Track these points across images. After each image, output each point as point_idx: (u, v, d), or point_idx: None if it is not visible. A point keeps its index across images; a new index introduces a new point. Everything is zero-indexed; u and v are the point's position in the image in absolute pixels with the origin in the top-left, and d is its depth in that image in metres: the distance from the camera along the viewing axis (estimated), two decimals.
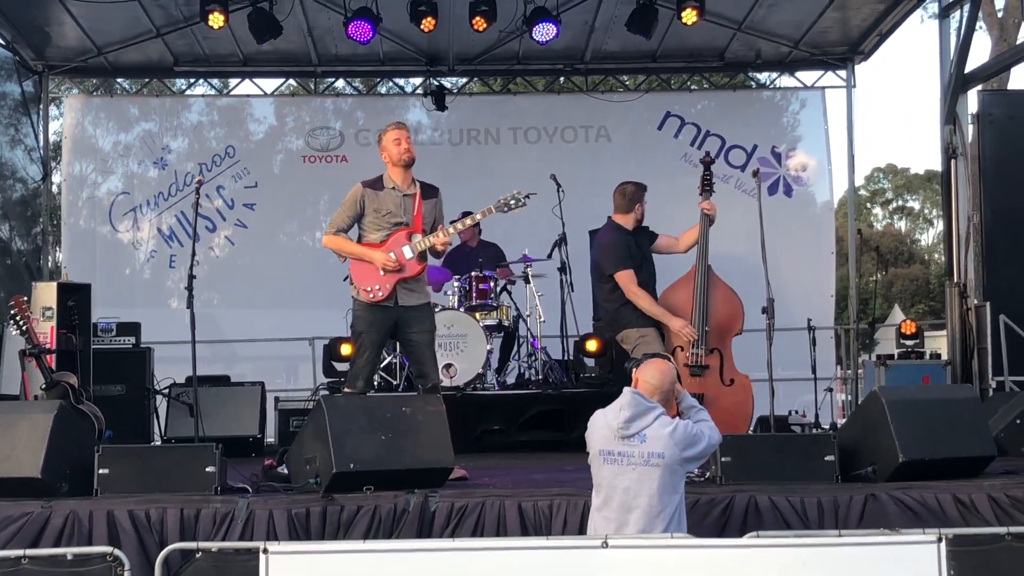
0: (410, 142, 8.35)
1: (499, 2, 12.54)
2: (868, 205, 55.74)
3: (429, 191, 8.42)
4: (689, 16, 12.42)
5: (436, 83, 15.35)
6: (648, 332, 8.66)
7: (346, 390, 8.34)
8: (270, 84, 16.02)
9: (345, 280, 8.44)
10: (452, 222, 8.66)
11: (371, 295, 8.13)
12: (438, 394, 7.89)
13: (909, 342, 12.41)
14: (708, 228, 8.89)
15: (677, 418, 6.09)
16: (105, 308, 12.22)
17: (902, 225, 55.50)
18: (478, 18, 12.55)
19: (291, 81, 16.20)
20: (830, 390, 12.72)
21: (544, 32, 12.71)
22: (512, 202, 8.41)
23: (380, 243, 8.20)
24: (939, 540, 4.90)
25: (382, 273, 8.09)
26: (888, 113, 79.57)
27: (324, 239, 8.42)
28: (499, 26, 13.22)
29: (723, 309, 8.76)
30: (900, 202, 55.77)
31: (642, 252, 9.03)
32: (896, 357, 12.38)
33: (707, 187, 9.09)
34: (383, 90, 16.90)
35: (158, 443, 10.79)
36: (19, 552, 5.31)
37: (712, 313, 8.68)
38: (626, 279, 8.75)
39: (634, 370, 6.20)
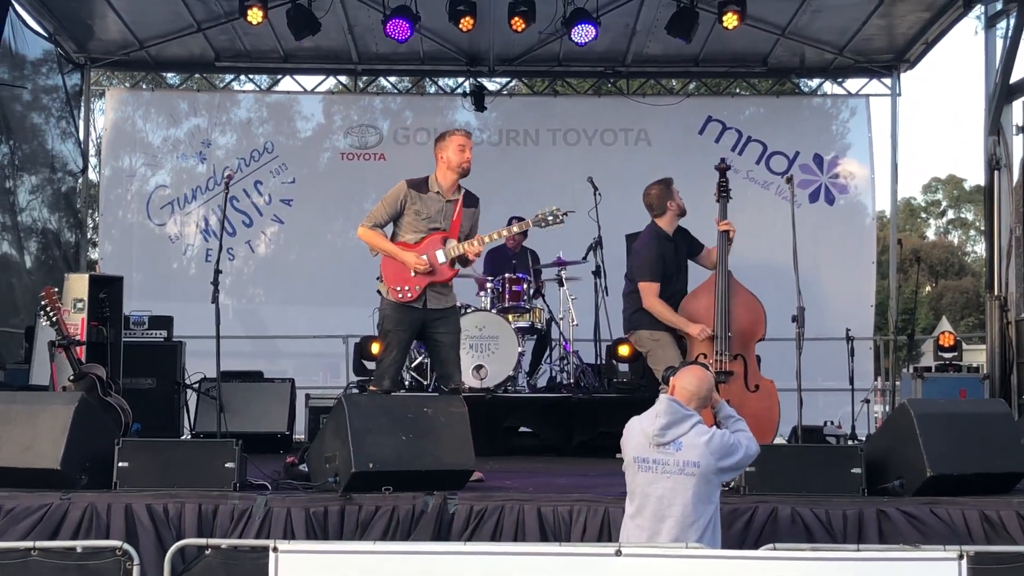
0: (471, 152, 8.27)
1: (538, 3, 12.50)
2: (923, 215, 55.29)
3: (470, 199, 8.37)
4: (730, 20, 12.32)
5: (476, 83, 15.32)
6: (660, 336, 8.55)
7: (371, 388, 8.33)
8: (310, 81, 16.06)
9: (377, 278, 8.38)
10: (489, 233, 8.51)
11: (400, 295, 8.09)
12: (460, 395, 7.83)
13: (947, 354, 12.25)
14: (726, 243, 8.75)
15: (714, 427, 5.97)
16: (142, 301, 12.27)
17: (954, 237, 54.98)
18: (517, 18, 12.51)
19: (332, 79, 16.19)
20: (867, 401, 12.56)
21: (583, 33, 12.65)
22: (550, 218, 8.39)
23: (415, 244, 8.16)
24: (960, 557, 4.78)
25: (413, 274, 8.05)
26: (941, 123, 78.88)
27: (359, 231, 8.36)
28: (538, 27, 13.17)
29: (745, 315, 8.62)
30: (954, 213, 55.25)
31: (678, 261, 8.87)
32: (934, 369, 12.22)
33: (724, 193, 8.95)
34: (431, 90, 16.83)
35: (187, 437, 10.80)
36: (28, 544, 5.31)
37: (734, 319, 8.55)
38: (648, 291, 8.63)
39: (671, 377, 6.12)
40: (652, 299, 8.53)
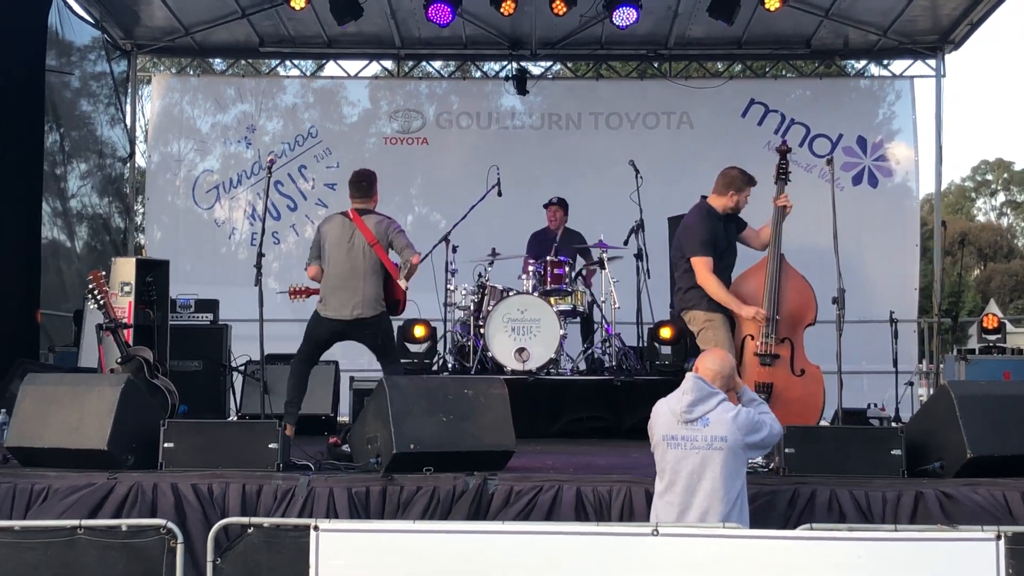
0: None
1: None
2: (973, 196, 54.71)
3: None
4: (772, 2, 12.31)
5: (519, 67, 15.34)
6: (715, 317, 8.48)
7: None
8: (354, 66, 16.13)
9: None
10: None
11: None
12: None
13: (991, 337, 12.19)
14: (781, 222, 8.71)
15: (739, 406, 6.12)
16: (189, 285, 12.40)
17: (1006, 220, 54.38)
18: (558, 2, 12.55)
19: (376, 64, 16.25)
20: (911, 384, 12.50)
21: (624, 16, 12.65)
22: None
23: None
24: (998, 538, 4.79)
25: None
26: (990, 104, 78.00)
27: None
28: (580, 10, 13.17)
29: (795, 299, 8.57)
30: (1006, 196, 54.65)
31: (728, 239, 8.83)
32: (977, 352, 12.16)
33: (783, 175, 8.91)
34: (476, 75, 16.86)
35: (233, 419, 10.91)
36: (75, 522, 5.41)
37: (784, 302, 8.50)
38: (701, 266, 8.55)
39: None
40: (706, 274, 8.43)
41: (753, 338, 8.41)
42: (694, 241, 8.56)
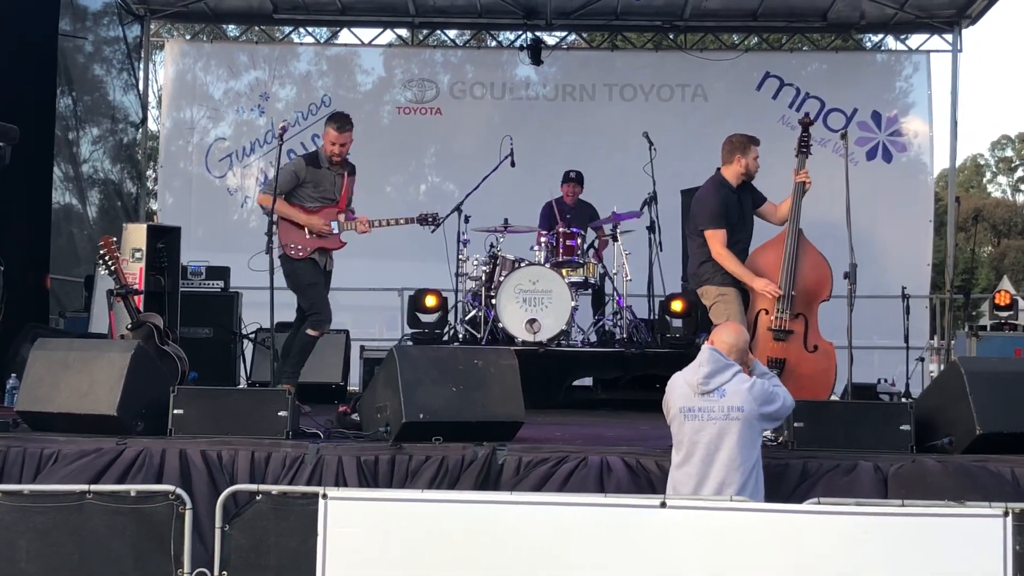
0: (344, 148, 9.02)
1: None
2: (992, 171, 54.38)
3: (352, 169, 9.28)
4: None
5: (534, 37, 15.29)
6: (728, 291, 8.42)
7: (311, 333, 9.00)
8: (368, 34, 16.09)
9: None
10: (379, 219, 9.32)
11: (294, 252, 8.90)
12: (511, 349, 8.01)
13: (1003, 313, 12.17)
14: (801, 198, 8.66)
15: (754, 376, 6.19)
16: (201, 252, 12.39)
17: (1021, 196, 54.05)
18: None
19: (390, 32, 16.18)
20: (922, 360, 12.47)
21: None
22: (429, 218, 9.66)
23: (314, 211, 8.99)
24: (1005, 514, 4.80)
25: (308, 236, 8.93)
26: (1011, 79, 77.52)
27: (259, 197, 9.19)
28: None
29: (811, 274, 8.52)
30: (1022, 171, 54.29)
31: (742, 211, 8.73)
32: (989, 328, 12.13)
33: (804, 148, 8.83)
34: (491, 44, 16.80)
35: (243, 386, 10.93)
36: (83, 487, 5.42)
37: (800, 277, 8.44)
38: (715, 239, 8.49)
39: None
40: (719, 247, 8.33)
41: (767, 312, 8.36)
42: (706, 214, 8.50)
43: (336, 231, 9.05)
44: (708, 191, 8.63)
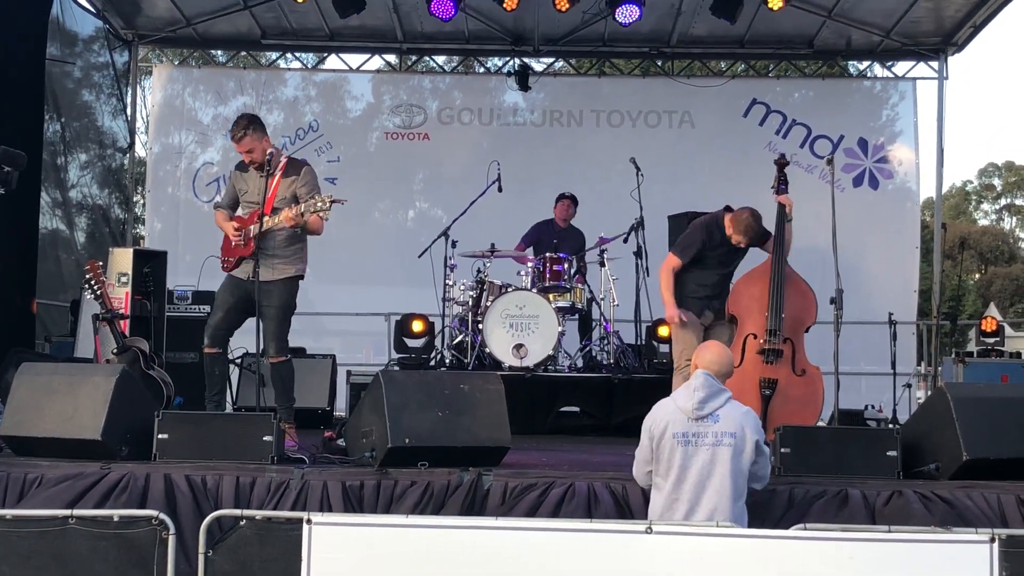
0: (251, 154, 8.39)
1: None
2: (977, 199, 54.64)
3: (293, 166, 8.53)
4: (775, 2, 12.29)
5: (521, 63, 15.33)
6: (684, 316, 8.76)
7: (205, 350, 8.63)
8: (356, 60, 16.13)
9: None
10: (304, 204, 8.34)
11: (223, 266, 8.58)
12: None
13: (990, 340, 12.20)
14: (784, 221, 8.77)
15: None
16: (189, 277, 12.36)
17: (1008, 223, 54.30)
18: None
19: (377, 58, 16.20)
20: (908, 386, 12.49)
21: (627, 14, 12.65)
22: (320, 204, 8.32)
23: (246, 220, 8.45)
24: (992, 540, 4.78)
25: (232, 246, 8.48)
26: (998, 107, 78.02)
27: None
28: (583, 7, 13.16)
29: (798, 301, 8.65)
30: (1008, 199, 54.55)
31: (720, 257, 8.94)
32: (975, 355, 12.15)
33: (782, 186, 9.00)
34: (479, 70, 16.83)
35: (229, 411, 10.88)
36: (66, 512, 5.40)
37: (787, 304, 8.58)
38: (666, 261, 8.92)
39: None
40: (662, 268, 8.88)
41: (756, 336, 8.48)
42: (678, 241, 8.96)
43: (243, 240, 8.34)
44: (696, 225, 8.96)
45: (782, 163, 9.12)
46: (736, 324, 8.75)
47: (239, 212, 8.58)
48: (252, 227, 8.29)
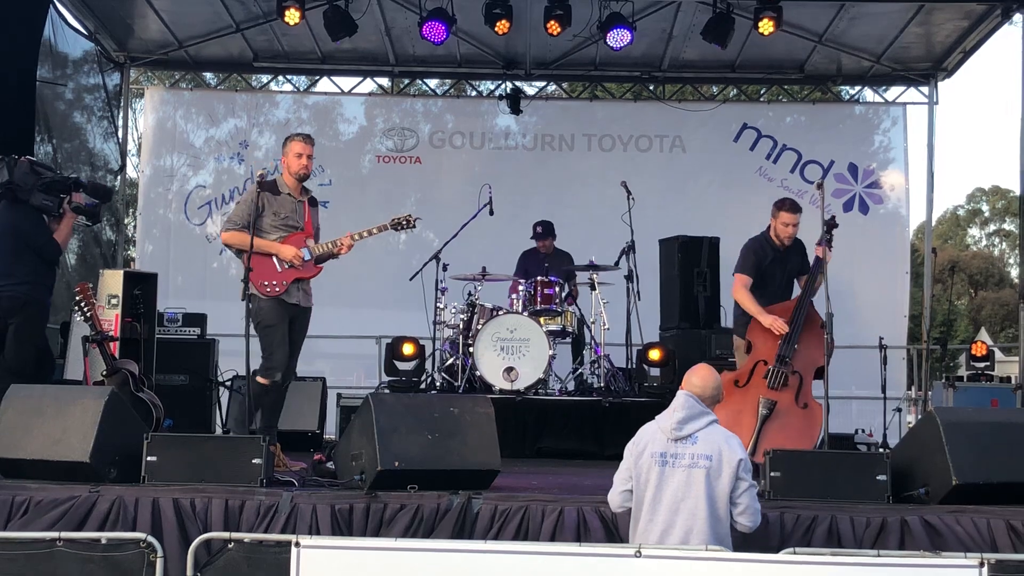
0: (311, 159, 8.64)
1: (575, 7, 12.53)
2: (965, 225, 54.77)
3: (313, 201, 8.85)
4: (766, 27, 12.32)
5: (513, 87, 15.38)
6: (742, 344, 9.00)
7: (261, 380, 8.45)
8: (348, 83, 16.16)
9: (243, 280, 8.22)
10: (359, 231, 8.86)
11: (268, 289, 8.43)
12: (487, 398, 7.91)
13: (980, 364, 12.22)
14: (818, 271, 8.88)
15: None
16: (179, 299, 12.39)
17: (997, 248, 54.40)
18: (552, 22, 12.55)
19: (369, 81, 16.23)
20: (899, 410, 12.51)
21: (618, 38, 12.67)
22: (404, 222, 9.02)
23: (280, 242, 8.51)
24: (981, 565, 4.77)
25: (280, 269, 8.46)
26: (986, 132, 78.32)
27: (224, 236, 8.66)
28: (574, 31, 13.20)
29: (815, 341, 8.67)
30: (997, 224, 54.68)
31: (775, 269, 9.16)
32: (965, 379, 12.17)
33: (826, 241, 9.09)
34: (471, 93, 16.85)
35: (218, 433, 10.87)
36: (55, 534, 5.38)
37: (803, 340, 8.68)
38: (737, 282, 9.09)
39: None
40: (737, 288, 9.03)
41: (765, 363, 8.61)
42: (739, 260, 9.17)
43: (308, 256, 8.56)
44: (748, 243, 9.22)
45: (831, 224, 9.19)
46: (751, 350, 8.88)
47: (268, 235, 8.48)
48: (314, 247, 8.55)
